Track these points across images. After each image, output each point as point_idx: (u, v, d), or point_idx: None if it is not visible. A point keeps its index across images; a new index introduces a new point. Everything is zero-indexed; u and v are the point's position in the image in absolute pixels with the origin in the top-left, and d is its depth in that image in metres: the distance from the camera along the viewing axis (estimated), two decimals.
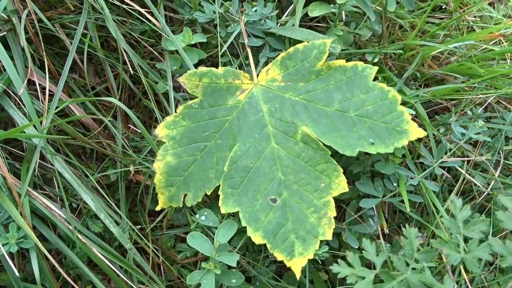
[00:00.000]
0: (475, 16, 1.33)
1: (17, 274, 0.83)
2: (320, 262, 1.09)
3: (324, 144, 0.91)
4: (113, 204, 1.00)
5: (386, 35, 1.15)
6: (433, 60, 1.25)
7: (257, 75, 0.98)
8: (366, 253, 0.73)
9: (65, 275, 0.90)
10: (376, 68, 0.92)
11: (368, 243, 0.72)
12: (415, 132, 0.89)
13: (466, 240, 0.70)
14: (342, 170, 0.90)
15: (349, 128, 0.91)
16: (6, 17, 0.97)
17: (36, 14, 0.99)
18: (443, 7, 1.32)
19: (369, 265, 0.89)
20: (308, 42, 0.95)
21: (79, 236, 0.94)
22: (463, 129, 0.97)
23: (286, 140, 0.93)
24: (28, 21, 0.99)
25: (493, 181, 1.08)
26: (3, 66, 0.98)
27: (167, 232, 1.08)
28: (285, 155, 0.92)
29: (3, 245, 0.82)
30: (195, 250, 1.04)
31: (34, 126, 0.95)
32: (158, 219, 1.04)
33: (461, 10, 1.31)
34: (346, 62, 0.94)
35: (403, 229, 0.73)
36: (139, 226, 1.03)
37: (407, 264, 0.71)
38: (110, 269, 0.94)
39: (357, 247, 0.98)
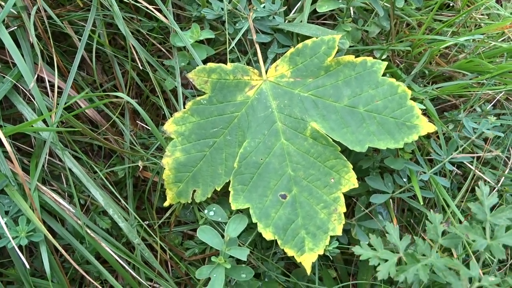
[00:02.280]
0: (482, 14, 1.32)
1: (28, 266, 0.82)
2: (330, 259, 1.08)
3: (333, 140, 0.91)
4: (122, 200, 1.00)
5: (394, 32, 1.15)
6: (441, 58, 1.25)
7: (266, 71, 0.98)
8: (390, 236, 0.72)
9: (76, 266, 0.90)
10: (386, 63, 0.92)
11: (391, 225, 0.72)
12: (425, 127, 0.89)
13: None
14: (351, 166, 0.90)
15: (359, 124, 0.91)
16: (16, 13, 0.97)
17: (45, 11, 0.99)
18: (451, 4, 1.32)
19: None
20: (317, 38, 0.95)
21: (88, 231, 0.94)
22: (475, 124, 0.97)
23: (296, 136, 0.93)
24: (37, 18, 0.99)
25: (503, 177, 1.08)
26: (12, 62, 0.98)
27: (174, 229, 1.07)
28: (295, 151, 0.92)
29: (13, 238, 0.82)
30: (203, 247, 1.04)
31: (44, 122, 0.95)
32: (166, 215, 1.03)
33: (468, 9, 1.31)
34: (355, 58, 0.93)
35: (428, 213, 0.72)
36: (147, 222, 1.03)
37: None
38: (119, 264, 0.94)
39: (367, 243, 0.98)
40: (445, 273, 0.67)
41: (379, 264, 0.70)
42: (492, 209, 0.72)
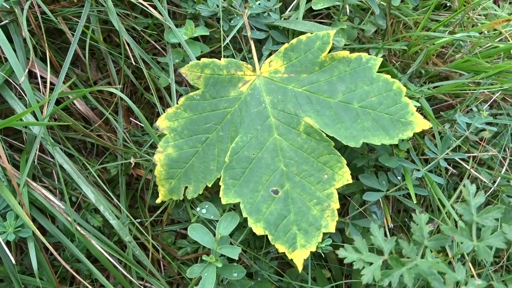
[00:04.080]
0: (479, 15, 1.32)
1: (14, 262, 0.81)
2: (323, 259, 1.07)
3: (327, 136, 0.90)
4: (114, 198, 0.99)
5: (390, 31, 1.14)
6: (438, 57, 1.24)
7: (260, 67, 0.97)
8: (374, 239, 0.70)
9: (66, 265, 0.89)
10: (381, 59, 0.91)
11: (377, 227, 0.70)
12: (420, 123, 0.88)
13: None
14: (345, 162, 0.89)
15: (353, 120, 0.90)
16: (9, 7, 0.97)
17: (39, 6, 0.98)
18: (448, 4, 1.32)
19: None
20: (311, 34, 0.94)
21: (79, 228, 0.92)
22: (468, 119, 0.96)
23: (289, 132, 0.92)
24: (31, 13, 0.99)
25: (499, 177, 1.06)
26: (4, 57, 0.98)
27: (167, 227, 1.06)
28: (288, 146, 0.91)
29: (1, 234, 0.81)
30: (196, 246, 1.03)
31: (35, 117, 0.94)
32: (157, 213, 1.02)
33: (464, 7, 1.30)
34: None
35: (413, 214, 0.70)
36: (139, 220, 1.01)
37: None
38: (109, 263, 0.92)
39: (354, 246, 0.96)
40: (430, 277, 0.65)
41: (363, 267, 0.69)
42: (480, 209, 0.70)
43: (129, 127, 1.11)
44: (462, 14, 1.19)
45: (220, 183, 0.90)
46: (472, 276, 0.88)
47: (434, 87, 1.12)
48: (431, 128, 0.98)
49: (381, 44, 1.10)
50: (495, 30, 1.21)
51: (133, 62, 1.04)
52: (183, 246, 1.04)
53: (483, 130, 1.04)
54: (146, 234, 1.00)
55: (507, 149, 1.09)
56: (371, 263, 0.68)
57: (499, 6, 1.35)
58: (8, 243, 0.84)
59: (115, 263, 0.94)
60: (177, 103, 0.94)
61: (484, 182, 1.04)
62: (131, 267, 0.98)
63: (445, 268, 0.64)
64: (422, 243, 0.68)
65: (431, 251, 0.73)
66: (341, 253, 0.70)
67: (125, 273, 0.95)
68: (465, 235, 0.67)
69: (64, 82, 0.98)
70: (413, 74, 1.16)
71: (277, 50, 1.01)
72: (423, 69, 1.18)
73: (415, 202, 0.91)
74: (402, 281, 0.66)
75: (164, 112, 0.94)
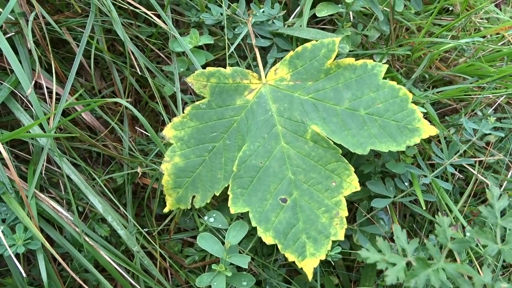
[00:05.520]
0: (482, 18, 1.32)
1: (24, 274, 0.81)
2: (331, 266, 1.07)
3: (334, 143, 0.90)
4: (121, 207, 0.99)
5: (393, 37, 1.14)
6: (441, 62, 1.24)
7: (266, 75, 0.97)
8: (398, 239, 0.70)
9: (74, 275, 0.88)
10: (386, 66, 0.92)
11: (399, 228, 0.70)
12: (427, 130, 0.88)
13: None
14: (353, 169, 0.89)
15: (360, 127, 0.90)
16: (14, 19, 0.97)
17: (43, 17, 0.99)
18: (450, 9, 1.32)
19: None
20: (316, 41, 0.94)
21: (86, 238, 0.92)
22: (475, 125, 0.96)
23: (296, 140, 0.92)
24: (35, 24, 0.99)
25: (505, 182, 1.06)
26: (10, 69, 0.98)
27: (174, 236, 1.06)
28: (295, 154, 0.91)
29: (10, 246, 0.81)
30: (203, 254, 1.03)
31: (41, 128, 0.94)
32: (166, 222, 1.02)
33: (468, 12, 1.31)
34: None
35: (436, 217, 0.70)
36: (146, 229, 1.01)
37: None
38: (118, 272, 0.92)
39: (371, 247, 0.96)
40: (459, 280, 0.65)
41: (387, 269, 0.68)
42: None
43: (134, 135, 1.11)
44: (466, 19, 1.19)
45: (229, 192, 0.90)
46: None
47: (438, 92, 1.12)
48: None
49: (385, 49, 1.11)
50: (497, 34, 1.21)
51: (138, 71, 1.04)
52: (190, 254, 1.03)
53: (489, 134, 1.04)
54: (154, 243, 1.00)
55: None
56: (394, 264, 0.67)
57: (501, 10, 1.35)
58: (17, 255, 0.84)
59: (123, 272, 0.94)
60: (183, 112, 0.94)
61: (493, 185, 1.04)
62: (138, 276, 0.98)
63: (472, 270, 0.64)
64: (446, 245, 0.68)
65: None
66: (363, 254, 0.69)
67: (133, 282, 0.95)
68: (490, 238, 0.66)
69: (69, 93, 0.98)
70: (417, 79, 1.16)
71: (281, 57, 1.02)
72: (427, 73, 1.18)
73: (424, 208, 0.91)
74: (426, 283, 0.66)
75: (170, 121, 0.94)
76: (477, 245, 0.89)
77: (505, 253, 0.66)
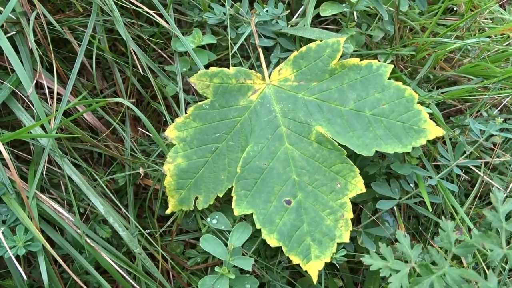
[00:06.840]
0: (486, 18, 1.31)
1: (24, 276, 0.80)
2: (335, 268, 1.06)
3: (339, 144, 0.89)
4: (122, 208, 0.98)
5: (397, 37, 1.13)
6: (446, 62, 1.23)
7: (269, 75, 0.96)
8: (400, 245, 0.69)
9: (75, 277, 0.87)
10: (391, 66, 0.90)
11: (402, 234, 0.69)
12: (433, 131, 0.87)
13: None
14: (358, 171, 0.88)
15: (365, 128, 0.89)
16: (15, 18, 0.96)
17: (45, 16, 0.98)
18: (454, 9, 1.31)
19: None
20: (321, 41, 0.93)
21: (88, 240, 0.91)
22: (482, 125, 0.95)
23: (300, 141, 0.91)
24: (36, 24, 0.98)
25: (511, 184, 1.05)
26: (11, 68, 0.97)
27: (176, 237, 1.05)
28: (299, 155, 0.90)
29: (10, 248, 0.80)
30: (205, 256, 1.02)
31: (43, 128, 0.93)
32: (168, 223, 1.01)
33: (472, 13, 1.30)
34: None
35: (440, 221, 0.69)
36: (148, 231, 1.00)
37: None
38: (119, 274, 0.91)
39: (375, 251, 0.95)
40: (463, 285, 0.64)
41: (390, 275, 0.67)
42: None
43: (136, 136, 1.10)
44: (471, 20, 1.18)
45: (232, 194, 0.89)
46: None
47: (443, 92, 1.11)
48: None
49: (390, 49, 1.10)
50: (502, 34, 1.20)
51: (140, 71, 1.03)
52: (192, 256, 1.02)
53: (495, 135, 1.03)
54: (156, 245, 0.99)
55: None
56: (397, 271, 0.66)
57: (505, 9, 1.34)
58: (17, 256, 0.83)
59: (124, 274, 0.93)
60: (186, 113, 0.93)
61: (497, 188, 1.03)
62: (140, 279, 0.97)
63: (477, 276, 0.63)
64: (450, 250, 0.67)
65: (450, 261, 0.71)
66: (366, 260, 0.68)
67: (134, 284, 0.94)
68: (495, 242, 0.65)
69: (71, 93, 0.97)
70: (421, 80, 1.15)
71: (285, 57, 1.01)
72: (431, 74, 1.17)
73: (430, 210, 0.90)
74: None
75: (173, 122, 0.93)
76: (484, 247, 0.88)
77: (511, 257, 0.65)
